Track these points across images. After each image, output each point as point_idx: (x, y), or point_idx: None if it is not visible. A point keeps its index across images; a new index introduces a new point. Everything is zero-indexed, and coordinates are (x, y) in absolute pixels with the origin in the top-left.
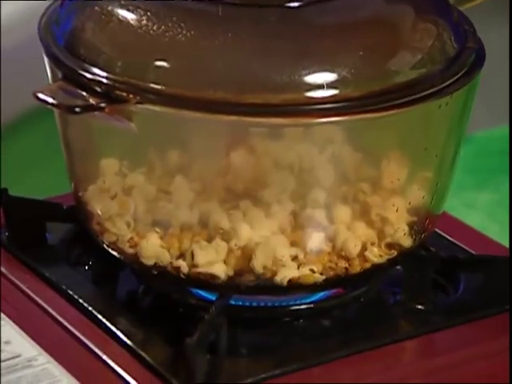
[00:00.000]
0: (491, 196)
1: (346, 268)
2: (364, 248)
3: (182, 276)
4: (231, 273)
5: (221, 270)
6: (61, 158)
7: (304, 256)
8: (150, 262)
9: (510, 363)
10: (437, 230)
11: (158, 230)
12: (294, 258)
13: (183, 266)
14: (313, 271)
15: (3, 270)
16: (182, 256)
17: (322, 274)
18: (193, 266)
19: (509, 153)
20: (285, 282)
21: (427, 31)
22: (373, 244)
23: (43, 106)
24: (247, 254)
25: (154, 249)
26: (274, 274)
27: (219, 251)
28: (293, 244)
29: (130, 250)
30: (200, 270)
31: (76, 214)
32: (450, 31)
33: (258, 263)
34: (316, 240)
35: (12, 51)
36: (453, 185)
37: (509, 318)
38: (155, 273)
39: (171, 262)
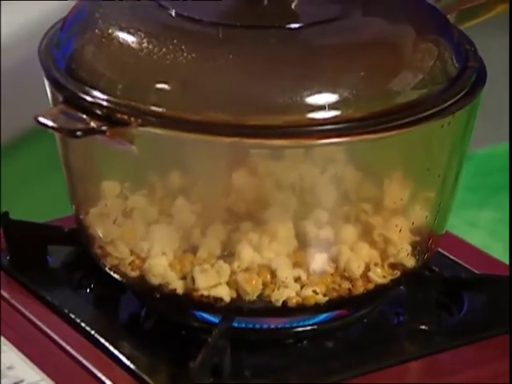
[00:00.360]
0: (493, 214)
1: (349, 289)
2: (367, 269)
3: (185, 298)
4: (234, 295)
5: (224, 293)
6: (60, 176)
7: (307, 277)
8: (155, 282)
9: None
10: (439, 249)
11: (162, 252)
12: (297, 280)
13: (185, 288)
14: (316, 292)
15: (4, 293)
16: (184, 278)
17: (325, 295)
18: (194, 289)
19: (509, 170)
20: (290, 304)
21: (428, 51)
22: (376, 265)
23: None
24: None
25: (160, 269)
26: (277, 295)
27: (221, 274)
28: (295, 265)
29: (132, 273)
30: (202, 292)
31: (77, 237)
32: (451, 51)
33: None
34: (319, 261)
35: (12, 70)
36: (455, 201)
37: (509, 340)
38: (158, 295)
39: (173, 284)
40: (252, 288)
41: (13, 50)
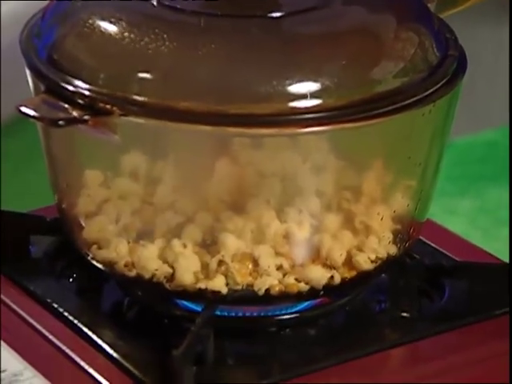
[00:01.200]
0: (473, 202)
1: (332, 277)
2: (349, 257)
3: (168, 287)
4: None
5: (221, 284)
6: (42, 165)
7: (289, 265)
8: (141, 272)
9: (510, 368)
10: (420, 236)
11: (146, 241)
12: (279, 268)
13: (171, 278)
14: (298, 280)
15: None
16: (170, 268)
17: (307, 283)
18: (180, 280)
19: (509, 162)
20: (273, 292)
21: (409, 40)
22: (358, 252)
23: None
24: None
25: (145, 259)
26: (260, 283)
27: (210, 264)
28: (278, 254)
29: (117, 263)
30: (199, 285)
31: (59, 227)
32: (431, 39)
33: (244, 274)
34: (301, 249)
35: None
36: (435, 189)
37: (509, 322)
38: (143, 285)
39: (159, 275)
40: (242, 278)
41: (11, 29)
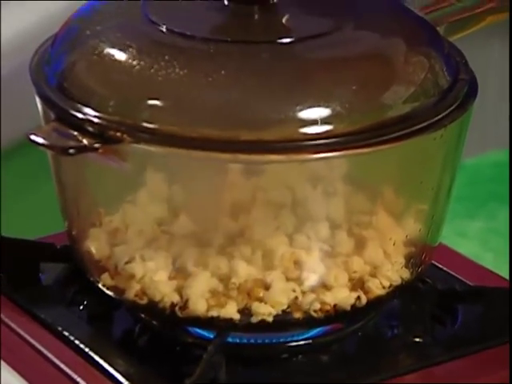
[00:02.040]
0: (483, 224)
1: (358, 297)
2: (361, 282)
3: (179, 315)
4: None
5: (233, 311)
6: (49, 189)
7: (301, 291)
8: (153, 300)
9: None
10: (432, 261)
11: (158, 269)
12: (291, 294)
13: (182, 306)
14: (322, 305)
15: None
16: (181, 297)
17: (319, 309)
18: (193, 308)
19: (509, 180)
20: (291, 319)
21: (420, 64)
22: (371, 278)
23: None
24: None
25: (158, 287)
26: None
27: (227, 292)
28: (289, 279)
29: (128, 291)
30: (211, 313)
31: (70, 254)
32: (441, 63)
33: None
34: (312, 275)
35: (11, 75)
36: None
37: (509, 350)
38: (153, 312)
39: (173, 302)
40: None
41: (12, 55)
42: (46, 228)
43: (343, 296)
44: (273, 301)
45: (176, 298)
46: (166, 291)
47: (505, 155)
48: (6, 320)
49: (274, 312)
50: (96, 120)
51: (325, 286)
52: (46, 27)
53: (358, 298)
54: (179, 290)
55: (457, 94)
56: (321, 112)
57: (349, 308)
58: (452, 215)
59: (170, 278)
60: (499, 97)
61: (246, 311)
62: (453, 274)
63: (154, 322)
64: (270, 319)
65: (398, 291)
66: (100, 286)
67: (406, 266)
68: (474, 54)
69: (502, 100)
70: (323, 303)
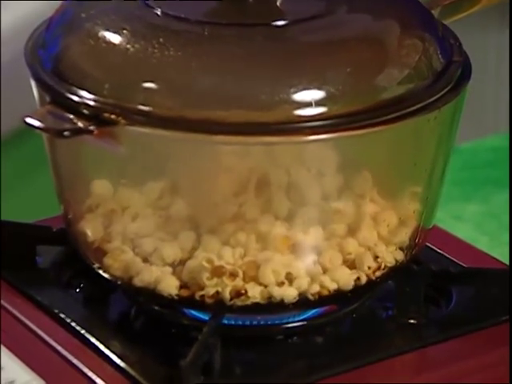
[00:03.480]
0: (479, 207)
1: (358, 278)
2: (355, 264)
3: (175, 297)
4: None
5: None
6: (46, 175)
7: (296, 274)
8: (151, 285)
9: (510, 374)
10: (427, 243)
11: (156, 253)
12: (287, 277)
13: (184, 289)
14: (322, 286)
15: None
16: (180, 279)
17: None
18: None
19: (509, 168)
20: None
21: (413, 46)
22: (364, 259)
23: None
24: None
25: (156, 271)
26: (271, 293)
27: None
28: (285, 263)
29: (125, 274)
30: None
31: (66, 237)
32: (435, 46)
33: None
34: (308, 258)
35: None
36: (441, 195)
37: (509, 329)
38: (150, 294)
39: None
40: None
41: (11, 42)
42: (44, 213)
43: (343, 277)
44: (267, 283)
45: (173, 281)
46: (161, 274)
47: (503, 140)
48: (3, 302)
49: (266, 294)
50: (91, 102)
51: (320, 268)
52: (45, 13)
53: (358, 278)
54: (176, 273)
55: (450, 76)
56: (315, 94)
57: (348, 289)
58: (448, 199)
59: (166, 261)
60: (498, 81)
61: (240, 294)
62: (447, 255)
63: (150, 305)
64: (264, 301)
65: (393, 272)
66: (95, 268)
67: (401, 248)
68: (473, 38)
69: (500, 84)
70: (322, 286)
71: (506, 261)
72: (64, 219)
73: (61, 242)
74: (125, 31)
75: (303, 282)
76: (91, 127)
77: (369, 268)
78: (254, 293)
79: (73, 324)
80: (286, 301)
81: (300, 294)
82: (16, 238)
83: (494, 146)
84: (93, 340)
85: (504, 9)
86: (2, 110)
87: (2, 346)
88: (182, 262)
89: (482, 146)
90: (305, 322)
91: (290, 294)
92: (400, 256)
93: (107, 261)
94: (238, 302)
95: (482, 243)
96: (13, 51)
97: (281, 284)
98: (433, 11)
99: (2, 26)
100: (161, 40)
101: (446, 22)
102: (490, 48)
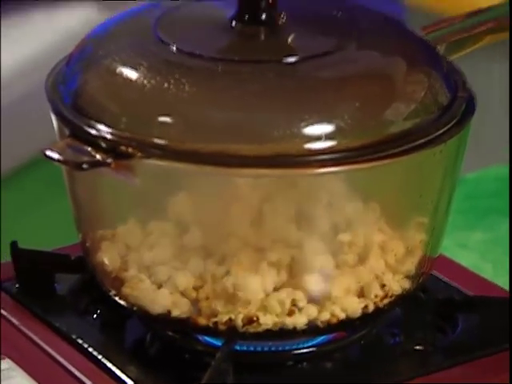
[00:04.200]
0: (483, 236)
1: (366, 306)
2: (363, 293)
3: (190, 324)
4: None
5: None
6: (61, 203)
7: (306, 302)
8: (165, 311)
9: (510, 376)
10: (433, 271)
11: (170, 280)
12: (296, 305)
13: (196, 315)
14: (332, 314)
15: (14, 320)
16: (195, 306)
17: (324, 318)
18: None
19: (509, 192)
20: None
21: (420, 82)
22: (373, 288)
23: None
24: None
25: (170, 298)
26: (282, 321)
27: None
28: (295, 291)
29: (141, 301)
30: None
31: (83, 265)
32: (441, 81)
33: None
34: (317, 287)
35: (11, 104)
36: (447, 224)
37: (509, 357)
38: (165, 321)
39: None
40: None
41: (12, 85)
42: (61, 239)
43: (352, 305)
44: (277, 312)
45: (187, 308)
46: (175, 301)
47: (505, 170)
48: (23, 328)
49: (279, 322)
50: (108, 136)
51: (329, 297)
52: (45, 56)
53: (366, 306)
54: (189, 301)
55: (455, 111)
56: (325, 128)
57: (356, 316)
58: (453, 227)
59: (179, 288)
60: (501, 113)
61: (252, 321)
62: (452, 284)
63: (165, 331)
64: (275, 328)
65: (400, 300)
66: (112, 295)
67: (407, 277)
68: (477, 72)
69: (503, 116)
70: (332, 314)
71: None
72: (82, 247)
73: (78, 270)
74: (141, 67)
75: (313, 310)
76: (108, 160)
77: (376, 296)
78: (266, 320)
79: (90, 349)
80: (297, 328)
81: (310, 322)
82: (35, 265)
83: (497, 176)
84: (109, 365)
85: (506, 43)
86: (16, 140)
87: (21, 370)
88: (196, 290)
89: (485, 177)
90: (314, 349)
91: (300, 321)
92: (407, 284)
93: (125, 290)
94: (250, 329)
95: (486, 271)
96: (11, 95)
97: (291, 313)
98: (438, 48)
99: (2, 71)
100: (176, 76)
101: (451, 58)
102: (493, 80)
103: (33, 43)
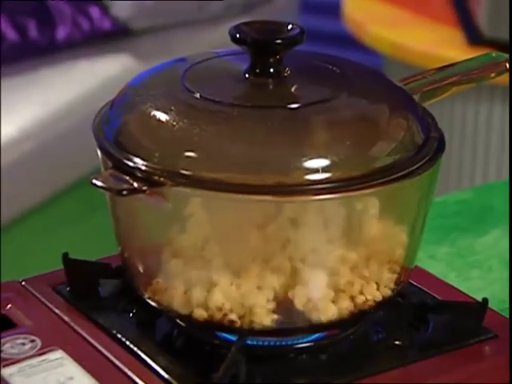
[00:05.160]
0: (449, 249)
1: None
2: (353, 298)
3: (208, 322)
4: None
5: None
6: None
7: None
8: (189, 312)
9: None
10: (409, 280)
11: (197, 289)
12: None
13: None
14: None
15: (66, 318)
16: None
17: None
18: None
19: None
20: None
21: (400, 125)
22: (361, 295)
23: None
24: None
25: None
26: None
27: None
28: (298, 295)
29: (170, 305)
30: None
31: (122, 272)
32: (417, 124)
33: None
34: (316, 295)
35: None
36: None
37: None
38: (190, 321)
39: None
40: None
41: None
42: (104, 251)
43: (344, 308)
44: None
45: (206, 312)
46: (197, 303)
47: (466, 195)
48: (73, 325)
49: (284, 323)
50: (144, 168)
51: (326, 301)
52: (87, 99)
53: (355, 309)
54: (210, 305)
55: (429, 149)
56: (321, 163)
57: (347, 318)
58: (424, 242)
59: (203, 297)
60: (461, 145)
61: (262, 321)
62: (425, 290)
63: (189, 328)
64: (281, 327)
65: (383, 305)
66: (145, 298)
67: (388, 286)
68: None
69: (462, 150)
70: (328, 316)
71: (471, 292)
72: (121, 258)
73: (118, 276)
74: (171, 111)
75: (314, 314)
76: (144, 188)
77: (363, 302)
78: (272, 320)
79: (127, 342)
80: (299, 327)
81: (310, 323)
82: (83, 273)
83: (460, 199)
84: (143, 356)
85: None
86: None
87: (72, 360)
88: (213, 294)
89: (450, 200)
90: (312, 343)
91: (301, 322)
92: (388, 292)
93: (154, 294)
94: (259, 327)
95: (451, 278)
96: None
97: (293, 315)
98: (414, 96)
99: (51, 110)
100: (199, 119)
101: (425, 105)
102: (462, 121)
103: (78, 87)
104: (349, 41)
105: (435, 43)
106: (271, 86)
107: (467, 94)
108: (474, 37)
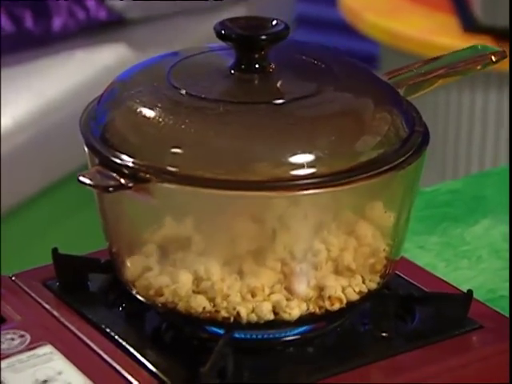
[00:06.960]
0: (438, 239)
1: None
2: (340, 291)
3: (196, 316)
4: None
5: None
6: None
7: (294, 299)
8: (178, 307)
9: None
10: (396, 271)
11: (183, 283)
12: (287, 301)
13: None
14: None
15: (55, 313)
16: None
17: (307, 311)
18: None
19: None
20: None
21: (384, 119)
22: (348, 287)
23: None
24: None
25: (183, 297)
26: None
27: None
28: (286, 290)
29: (157, 299)
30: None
31: (111, 267)
32: (401, 118)
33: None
34: (304, 289)
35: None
36: (407, 231)
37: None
38: (177, 314)
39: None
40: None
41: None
42: (93, 245)
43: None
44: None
45: (194, 303)
46: (183, 297)
47: (457, 184)
48: (62, 319)
49: (271, 317)
50: (130, 164)
51: (314, 295)
52: (84, 88)
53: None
54: (195, 299)
55: (413, 143)
56: (307, 157)
57: (334, 310)
58: (414, 232)
59: (189, 291)
60: (454, 137)
61: (249, 315)
62: (412, 281)
63: (176, 321)
64: (270, 320)
65: (369, 296)
66: (133, 292)
67: (374, 278)
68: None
69: (456, 140)
70: (315, 309)
71: (459, 282)
72: (109, 252)
73: (107, 271)
74: (157, 108)
75: (302, 307)
76: (130, 184)
77: (350, 294)
78: (265, 313)
79: (116, 336)
80: (287, 320)
81: (299, 316)
82: (72, 267)
83: (451, 189)
84: (132, 350)
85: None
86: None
87: (61, 354)
88: (199, 288)
89: (440, 190)
90: (299, 336)
91: (292, 316)
92: (374, 284)
93: (141, 289)
94: (246, 321)
95: (440, 268)
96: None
97: (285, 310)
98: (399, 90)
99: (46, 99)
100: (185, 115)
101: (409, 98)
102: (451, 112)
103: (74, 77)
104: (345, 28)
105: (431, 31)
106: (256, 82)
107: (462, 83)
108: (469, 24)
